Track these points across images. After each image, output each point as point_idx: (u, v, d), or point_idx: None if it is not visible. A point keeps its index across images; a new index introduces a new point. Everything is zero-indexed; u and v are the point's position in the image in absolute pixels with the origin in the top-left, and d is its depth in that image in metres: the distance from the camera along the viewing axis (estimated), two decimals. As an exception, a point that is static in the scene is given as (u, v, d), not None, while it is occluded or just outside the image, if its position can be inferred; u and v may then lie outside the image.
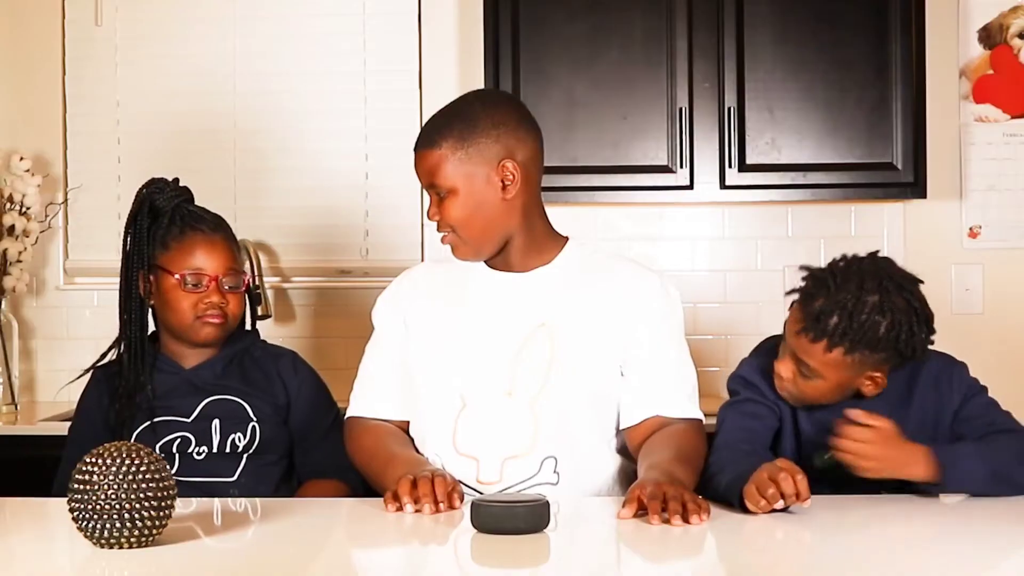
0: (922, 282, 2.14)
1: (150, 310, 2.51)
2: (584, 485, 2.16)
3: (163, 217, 2.46)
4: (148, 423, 2.40)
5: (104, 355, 2.53)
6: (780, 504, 1.92)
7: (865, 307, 2.06)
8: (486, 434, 2.15)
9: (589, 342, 2.18)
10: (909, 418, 2.13)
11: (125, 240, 2.48)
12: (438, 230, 2.20)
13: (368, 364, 2.34)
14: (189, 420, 2.43)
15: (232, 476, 2.41)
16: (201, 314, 2.44)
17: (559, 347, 2.16)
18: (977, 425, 2.15)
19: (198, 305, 2.44)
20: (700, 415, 2.21)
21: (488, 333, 2.18)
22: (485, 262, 2.24)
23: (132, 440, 2.37)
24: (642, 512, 1.92)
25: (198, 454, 2.41)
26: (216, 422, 2.42)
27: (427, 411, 2.22)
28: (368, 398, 2.31)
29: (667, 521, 1.88)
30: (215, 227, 2.50)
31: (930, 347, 2.17)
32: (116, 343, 2.49)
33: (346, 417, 2.34)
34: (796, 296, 2.14)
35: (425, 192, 2.24)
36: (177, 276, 2.44)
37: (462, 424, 2.16)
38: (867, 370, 2.10)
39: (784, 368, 2.13)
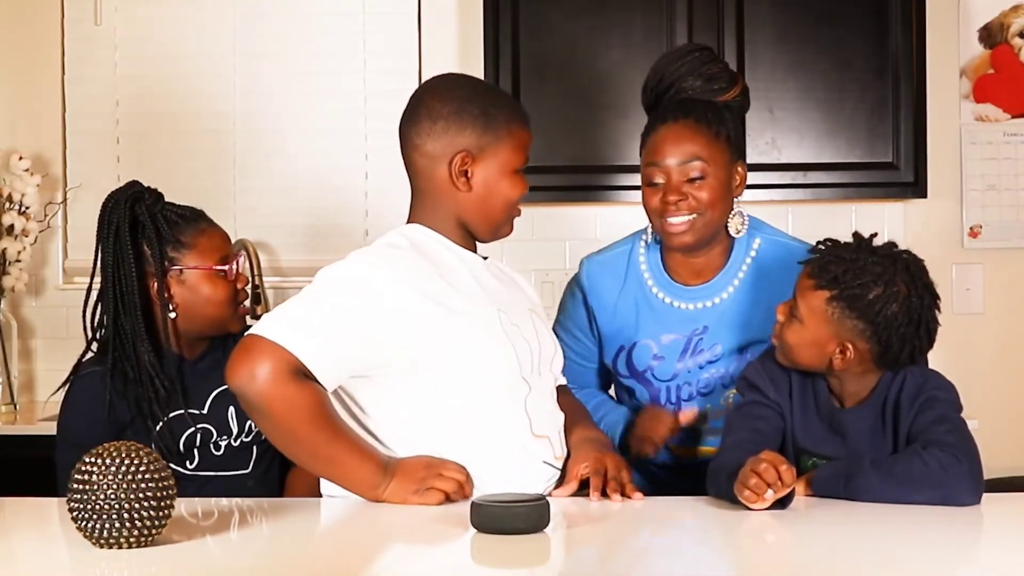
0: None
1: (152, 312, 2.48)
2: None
3: (159, 220, 2.45)
4: (164, 421, 2.40)
5: (81, 359, 2.48)
6: (770, 495, 1.93)
7: (871, 275, 2.07)
8: (548, 412, 2.21)
9: (545, 320, 2.35)
10: (887, 437, 2.13)
11: (119, 250, 2.42)
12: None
13: (341, 325, 2.03)
14: (205, 411, 2.44)
15: (247, 468, 2.45)
16: (241, 301, 2.51)
17: (549, 330, 2.32)
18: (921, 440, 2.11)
19: (234, 294, 2.48)
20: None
21: (514, 315, 2.19)
22: (456, 243, 2.21)
23: (152, 440, 2.37)
24: (582, 493, 2.12)
25: (216, 447, 2.43)
26: (232, 410, 2.44)
27: (493, 399, 2.12)
28: (333, 367, 2.04)
29: (606, 497, 2.09)
30: (207, 215, 2.53)
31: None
32: (115, 353, 2.43)
33: (293, 351, 1.99)
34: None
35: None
36: (215, 268, 2.46)
37: (531, 406, 2.16)
38: (842, 335, 2.09)
39: (781, 309, 2.16)
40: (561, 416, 2.25)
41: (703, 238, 2.38)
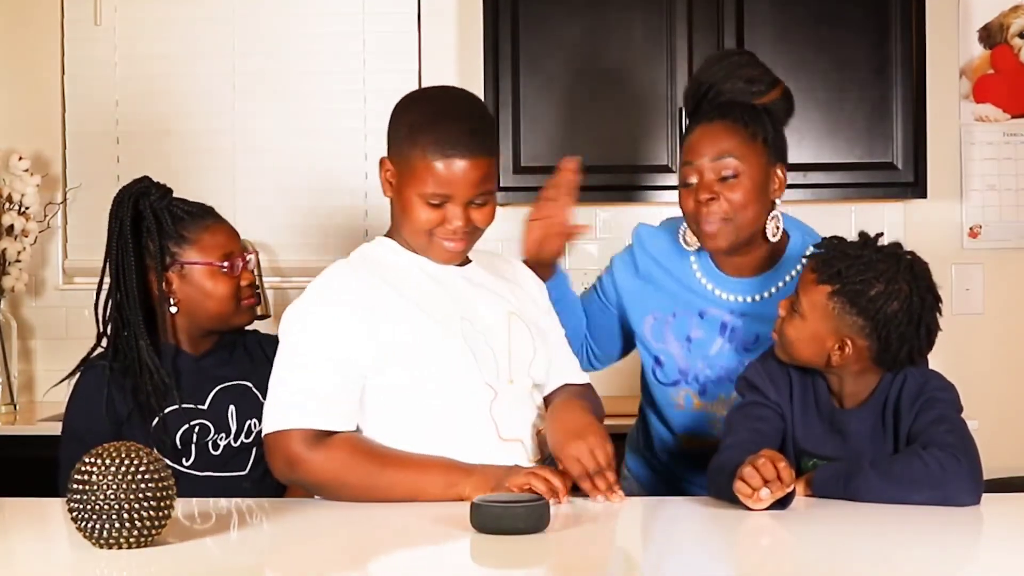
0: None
1: (153, 306, 2.49)
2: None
3: (162, 215, 2.46)
4: (163, 414, 2.41)
5: (89, 354, 2.49)
6: (766, 493, 1.93)
7: (874, 272, 2.07)
8: (520, 415, 2.18)
9: (537, 326, 2.30)
10: (887, 438, 2.13)
11: (121, 245, 2.44)
12: (464, 233, 2.16)
13: (320, 372, 2.11)
14: (204, 407, 2.44)
15: (244, 470, 2.43)
16: (244, 297, 2.50)
17: (532, 333, 2.26)
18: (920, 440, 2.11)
19: (237, 289, 2.48)
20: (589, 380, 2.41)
21: (481, 323, 2.19)
22: (423, 256, 2.22)
23: (149, 433, 2.37)
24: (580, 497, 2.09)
25: (215, 446, 2.43)
26: (232, 408, 2.45)
27: (455, 406, 2.14)
28: (339, 409, 2.13)
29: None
30: (216, 212, 2.53)
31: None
32: (117, 346, 2.44)
33: (301, 427, 2.09)
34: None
35: (451, 203, 2.13)
36: (217, 264, 2.46)
37: (497, 411, 2.15)
38: (842, 331, 2.09)
39: (783, 304, 2.16)
40: (538, 418, 2.22)
41: (737, 241, 2.36)
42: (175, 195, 2.52)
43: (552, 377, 2.31)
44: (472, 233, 2.17)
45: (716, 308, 2.44)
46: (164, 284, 2.44)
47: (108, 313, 2.47)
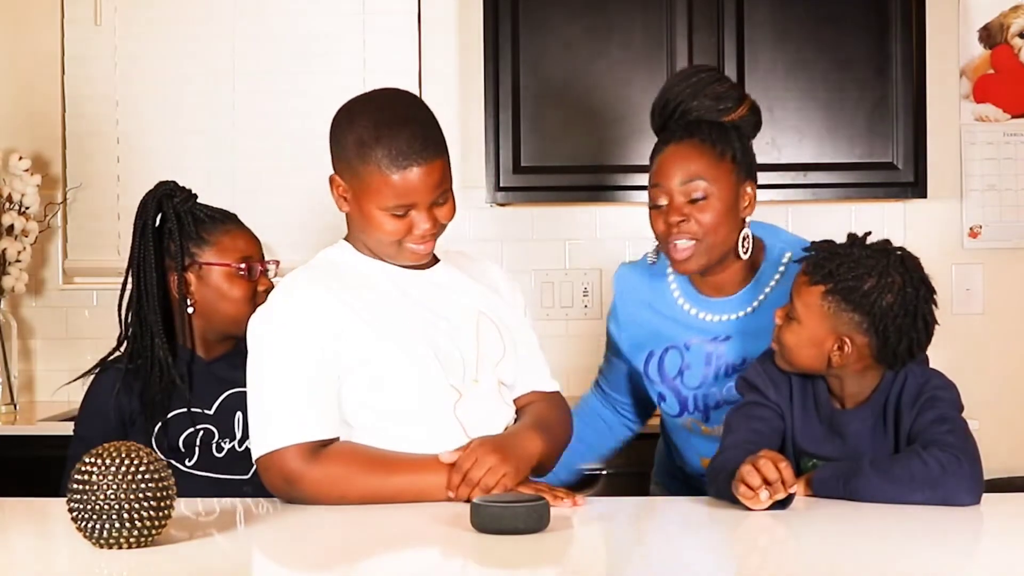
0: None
1: (172, 308, 2.50)
2: None
3: (185, 217, 2.47)
4: (170, 416, 2.41)
5: (108, 356, 2.51)
6: (765, 496, 1.93)
7: (865, 267, 2.07)
8: (487, 413, 2.18)
9: (507, 325, 2.28)
10: (887, 437, 2.13)
11: (143, 246, 2.46)
12: (431, 235, 2.15)
13: (300, 382, 2.10)
14: (211, 412, 2.45)
15: (247, 474, 2.42)
16: (261, 303, 2.47)
17: (502, 333, 2.25)
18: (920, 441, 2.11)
19: (253, 294, 2.48)
20: (559, 387, 2.36)
21: (447, 324, 2.18)
22: (385, 261, 2.21)
23: (154, 433, 2.38)
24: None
25: (218, 449, 2.43)
26: (239, 415, 2.45)
27: (418, 410, 2.14)
28: (326, 417, 2.12)
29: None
30: (238, 219, 2.55)
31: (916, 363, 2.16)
32: (133, 346, 2.46)
33: (295, 443, 2.07)
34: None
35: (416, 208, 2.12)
36: (234, 267, 2.47)
37: (462, 412, 2.15)
38: (839, 330, 2.09)
39: (779, 313, 2.16)
40: (509, 414, 2.22)
41: (708, 262, 2.35)
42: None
43: (520, 381, 2.29)
44: (439, 232, 2.17)
45: (699, 336, 2.43)
46: (182, 285, 2.46)
47: (128, 315, 2.48)
